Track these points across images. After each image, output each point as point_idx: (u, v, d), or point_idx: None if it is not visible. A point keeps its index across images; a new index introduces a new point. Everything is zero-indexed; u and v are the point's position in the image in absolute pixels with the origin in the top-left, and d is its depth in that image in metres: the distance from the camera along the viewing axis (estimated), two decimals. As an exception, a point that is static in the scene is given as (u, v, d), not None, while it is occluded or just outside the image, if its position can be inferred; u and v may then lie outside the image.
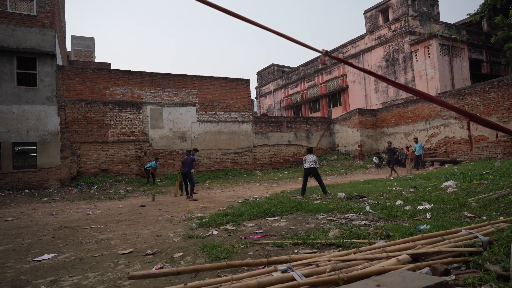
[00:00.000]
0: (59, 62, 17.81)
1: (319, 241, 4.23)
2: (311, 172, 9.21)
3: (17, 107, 15.46)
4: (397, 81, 23.39)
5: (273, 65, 38.78)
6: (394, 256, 2.96)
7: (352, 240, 4.06)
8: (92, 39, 34.98)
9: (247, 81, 21.72)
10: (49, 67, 16.17)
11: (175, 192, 12.29)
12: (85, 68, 17.96)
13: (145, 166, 16.76)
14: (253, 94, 36.26)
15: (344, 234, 4.45)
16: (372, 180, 12.24)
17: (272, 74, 38.53)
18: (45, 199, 12.89)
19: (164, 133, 18.88)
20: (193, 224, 6.06)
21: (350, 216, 5.91)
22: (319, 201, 7.91)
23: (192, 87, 19.84)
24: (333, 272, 2.69)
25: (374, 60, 25.54)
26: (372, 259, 2.97)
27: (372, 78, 25.65)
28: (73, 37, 33.84)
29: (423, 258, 3.04)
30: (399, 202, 6.64)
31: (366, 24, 26.71)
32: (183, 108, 19.43)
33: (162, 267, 3.68)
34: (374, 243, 3.78)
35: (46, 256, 4.47)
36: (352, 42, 27.39)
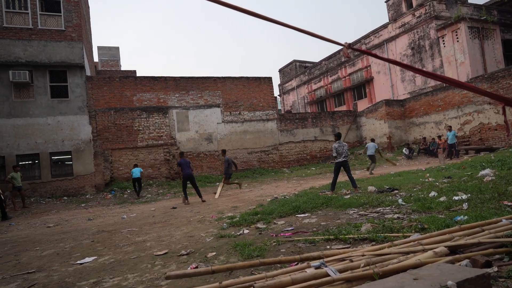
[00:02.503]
0: (88, 73, 18.51)
1: (351, 236, 4.18)
2: (343, 165, 8.99)
3: (52, 119, 16.22)
4: (424, 69, 22.61)
5: (294, 61, 38.50)
6: (431, 249, 2.88)
7: (386, 234, 3.98)
8: (117, 48, 36.08)
9: (269, 79, 21.71)
10: (79, 78, 16.86)
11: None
12: (112, 77, 18.57)
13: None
14: (276, 92, 36.16)
15: (377, 228, 4.38)
16: (403, 172, 11.92)
17: (294, 70, 38.26)
18: (83, 205, 13.46)
19: (190, 135, 19.22)
20: (224, 224, 6.14)
21: (382, 210, 5.79)
22: (349, 196, 7.80)
23: (216, 88, 20.06)
24: (367, 267, 2.66)
25: (399, 49, 24.81)
26: (407, 253, 2.91)
27: (398, 67, 24.93)
28: (99, 48, 35.05)
29: (462, 250, 2.94)
30: (433, 193, 6.44)
31: (388, 13, 25.98)
32: (207, 110, 19.69)
33: (197, 267, 3.76)
34: (409, 236, 3.70)
35: (87, 259, 4.69)
36: (375, 32, 26.73)
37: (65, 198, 15.54)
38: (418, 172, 11.41)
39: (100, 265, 4.36)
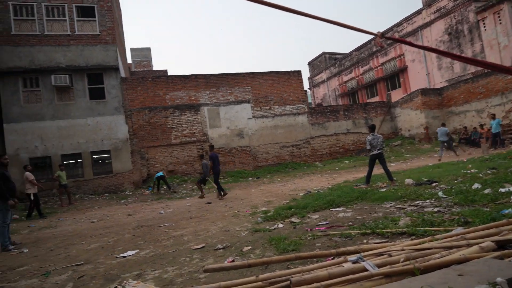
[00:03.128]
0: (122, 74, 19.20)
1: (389, 230, 4.08)
2: (378, 158, 8.77)
3: (91, 119, 17.02)
4: (463, 54, 21.44)
5: (324, 53, 37.82)
6: (476, 244, 2.75)
7: (426, 228, 3.86)
8: (148, 49, 37.09)
9: (298, 72, 21.49)
10: (114, 80, 17.53)
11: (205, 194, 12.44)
12: (145, 77, 19.15)
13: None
14: (306, 85, 35.71)
15: (416, 222, 4.24)
16: (442, 164, 11.44)
17: (324, 62, 37.60)
18: (122, 201, 14.06)
19: (222, 131, 19.47)
20: (259, 218, 6.20)
21: (421, 203, 5.60)
22: (385, 189, 7.60)
23: (245, 84, 20.15)
24: (407, 262, 2.59)
25: (435, 35, 23.67)
26: (450, 248, 2.80)
27: (434, 55, 23.82)
28: (132, 49, 36.19)
29: (511, 245, 2.78)
30: (476, 185, 6.13)
31: (422, -3, 24.81)
32: (238, 106, 19.84)
33: (233, 261, 3.84)
34: (451, 230, 3.55)
35: (129, 253, 4.91)
36: (408, 19, 25.64)
37: (106, 194, 16.29)
38: (459, 163, 10.90)
39: (141, 258, 4.55)
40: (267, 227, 5.42)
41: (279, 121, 20.57)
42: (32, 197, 11.29)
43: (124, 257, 4.74)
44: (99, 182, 16.90)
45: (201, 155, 13.19)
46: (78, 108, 16.89)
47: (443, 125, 10.51)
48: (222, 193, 11.00)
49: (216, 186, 11.30)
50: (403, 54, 26.38)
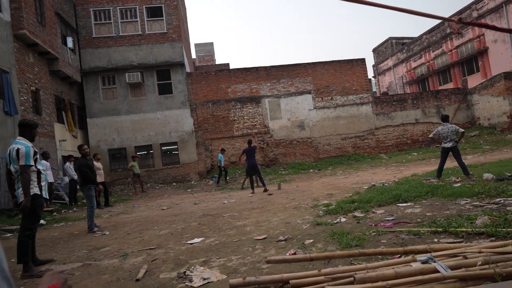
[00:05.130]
0: (187, 69, 20.13)
1: (463, 229, 3.77)
2: (452, 151, 8.12)
3: (160, 113, 18.19)
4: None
5: (390, 38, 35.64)
6: None
7: (509, 229, 3.49)
8: (211, 44, 38.31)
9: (362, 60, 20.59)
10: (180, 75, 18.47)
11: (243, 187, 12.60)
12: (208, 72, 19.86)
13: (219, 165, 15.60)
14: (370, 74, 34.11)
15: (497, 222, 3.86)
16: (529, 157, 10.19)
17: (390, 48, 35.45)
18: (189, 190, 14.87)
19: (283, 123, 19.49)
20: (320, 212, 6.13)
21: (502, 201, 5.07)
22: (459, 184, 7.01)
23: (306, 75, 19.86)
24: (486, 266, 2.38)
25: (522, 10, 20.93)
26: (538, 252, 2.51)
27: (521, 33, 21.10)
28: (196, 45, 37.70)
29: None
30: None
31: (507, -31, 22.03)
32: (299, 97, 19.66)
33: (295, 253, 3.86)
34: (540, 233, 3.18)
35: (196, 240, 5.19)
36: (490, -6, 22.98)
37: (174, 184, 17.37)
38: (551, 156, 9.62)
39: (207, 246, 4.79)
40: (329, 220, 5.35)
41: (341, 112, 19.98)
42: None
43: (191, 244, 5.03)
44: (168, 172, 18.06)
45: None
46: (148, 103, 18.15)
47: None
48: (253, 190, 11.24)
49: (248, 181, 11.39)
50: (482, 35, 23.79)
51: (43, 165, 4.96)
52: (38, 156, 4.67)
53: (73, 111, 17.06)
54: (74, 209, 11.38)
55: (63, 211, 10.93)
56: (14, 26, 11.58)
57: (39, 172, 4.66)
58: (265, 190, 11.01)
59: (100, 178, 11.55)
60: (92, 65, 17.68)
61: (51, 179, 11.14)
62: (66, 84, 16.46)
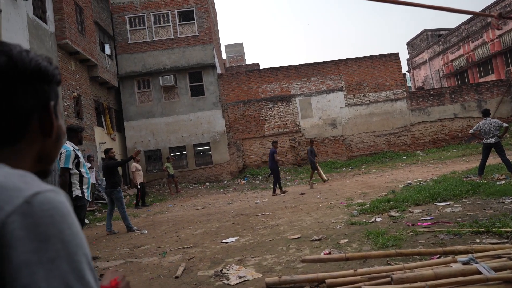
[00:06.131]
0: (218, 71, 20.45)
1: (508, 229, 3.61)
2: (495, 147, 7.71)
3: (193, 115, 18.62)
4: None
5: (425, 31, 34.23)
6: None
7: (559, 230, 3.30)
8: (241, 45, 38.65)
9: (396, 55, 19.97)
10: (211, 77, 18.81)
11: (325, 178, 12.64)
12: (239, 72, 20.07)
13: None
14: (404, 68, 33.00)
15: (545, 222, 3.65)
16: None
17: (426, 41, 34.06)
18: (221, 190, 15.12)
19: (314, 121, 19.32)
20: (354, 211, 6.06)
21: (551, 200, 4.78)
22: (503, 182, 6.67)
23: (337, 72, 19.56)
24: (533, 268, 2.28)
25: None
26: None
27: None
28: (226, 46, 38.17)
29: None
30: None
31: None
32: (330, 95, 19.40)
33: (330, 253, 3.86)
34: None
35: (231, 239, 5.31)
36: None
37: (207, 184, 17.72)
38: None
39: (242, 245, 4.88)
40: (364, 220, 5.28)
41: (374, 109, 19.50)
42: (139, 187, 11.93)
43: (226, 243, 5.15)
44: (201, 172, 18.45)
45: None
46: (181, 105, 18.64)
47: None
48: (281, 191, 10.99)
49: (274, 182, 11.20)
50: (527, 22, 22.30)
51: (87, 168, 5.23)
52: (81, 159, 4.93)
53: (111, 115, 17.86)
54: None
55: (103, 210, 11.49)
56: (57, 36, 12.30)
57: (81, 175, 4.90)
58: (276, 194, 10.87)
59: (140, 178, 12.12)
60: (128, 70, 18.41)
61: (93, 180, 11.74)
62: (104, 89, 17.27)
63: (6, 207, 0.51)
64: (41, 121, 0.66)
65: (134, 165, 12.19)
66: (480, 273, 2.40)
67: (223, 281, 3.47)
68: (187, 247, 5.17)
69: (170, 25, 18.50)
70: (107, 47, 16.85)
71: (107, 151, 7.75)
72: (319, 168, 12.84)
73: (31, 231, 0.51)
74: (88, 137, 14.44)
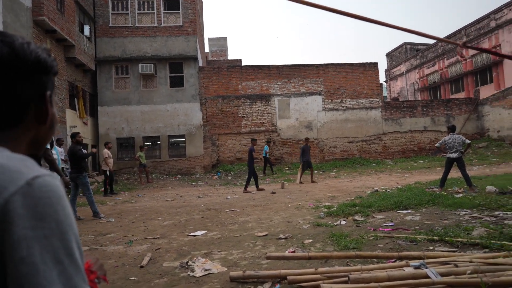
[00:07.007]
0: (200, 63, 20.30)
1: (459, 239, 3.88)
2: (457, 162, 8.16)
3: (170, 106, 18.41)
4: None
5: (405, 44, 35.38)
6: (559, 265, 2.53)
7: (503, 242, 3.59)
8: (225, 39, 38.40)
9: (375, 64, 20.55)
10: (193, 69, 18.65)
11: (298, 181, 12.74)
12: (220, 67, 20.01)
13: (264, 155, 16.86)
14: (382, 78, 33.97)
15: (493, 234, 3.95)
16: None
17: (404, 54, 35.20)
18: (193, 183, 15.07)
19: (291, 123, 19.58)
20: (321, 213, 6.25)
21: (501, 214, 5.15)
22: (461, 195, 7.08)
23: (317, 76, 19.90)
24: (474, 275, 2.50)
25: (541, 23, 20.65)
26: (527, 266, 2.61)
27: (538, 46, 20.86)
28: (209, 39, 37.83)
29: None
30: None
31: (528, -19, 21.72)
32: (308, 98, 19.72)
33: (294, 251, 4.00)
34: (533, 247, 3.27)
35: (199, 233, 5.36)
36: (510, 4, 22.69)
37: (179, 176, 17.60)
38: (557, 173, 9.60)
39: (209, 239, 4.95)
40: (330, 222, 5.47)
41: (350, 115, 20.00)
42: (108, 174, 11.69)
43: (194, 236, 5.19)
44: (174, 164, 18.30)
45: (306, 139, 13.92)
46: (159, 94, 18.38)
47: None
48: (257, 188, 11.20)
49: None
50: (499, 45, 23.53)
51: (58, 151, 5.13)
52: (52, 142, 4.86)
53: (85, 99, 17.35)
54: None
55: (68, 195, 11.19)
56: (34, 12, 11.82)
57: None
58: (245, 191, 11.06)
59: (109, 166, 11.89)
60: (106, 54, 17.93)
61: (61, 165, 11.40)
62: (80, 72, 16.75)
63: (10, 187, 0.58)
64: (38, 109, 0.71)
65: (106, 151, 11.95)
66: (429, 277, 2.59)
67: (188, 273, 3.53)
68: (154, 238, 5.17)
69: (154, 13, 18.17)
70: (86, 29, 16.35)
71: (74, 135, 7.53)
72: (302, 170, 12.96)
73: (31, 210, 0.57)
74: (59, 119, 13.98)
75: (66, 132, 14.69)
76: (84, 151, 7.86)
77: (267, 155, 16.93)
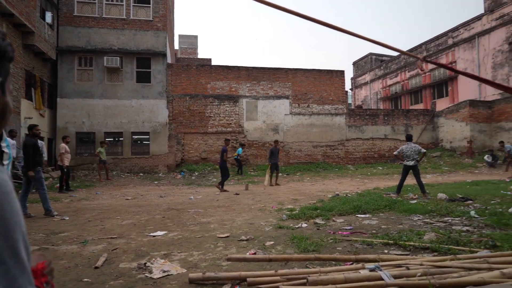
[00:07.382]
0: (169, 60, 19.89)
1: (412, 243, 4.07)
2: (412, 169, 8.61)
3: (135, 101, 17.88)
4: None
5: (370, 54, 36.78)
6: (498, 269, 2.73)
7: (450, 246, 3.81)
8: (196, 37, 37.88)
9: (342, 72, 21.17)
10: (161, 65, 18.24)
11: (267, 183, 12.82)
12: (189, 65, 19.73)
13: (235, 157, 17.16)
14: (348, 86, 35.07)
15: (441, 238, 4.19)
16: (481, 181, 10.92)
17: (369, 63, 36.59)
18: (155, 182, 14.72)
19: (258, 125, 19.68)
20: (284, 215, 6.33)
21: (450, 220, 5.48)
22: (415, 201, 7.45)
23: (286, 80, 20.17)
24: (424, 277, 2.63)
25: (493, 43, 22.28)
26: (470, 269, 2.79)
27: (489, 64, 22.49)
28: (180, 36, 37.17)
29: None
30: (513, 209, 5.87)
31: (485, 3, 23.37)
32: (276, 101, 19.93)
33: (255, 253, 4.01)
34: (476, 252, 3.50)
35: (159, 233, 5.24)
36: (466, 24, 24.29)
37: (141, 174, 17.12)
38: (500, 183, 10.37)
39: (169, 239, 4.85)
40: (291, 225, 5.55)
41: (315, 120, 20.44)
42: (65, 169, 11.20)
43: (154, 236, 5.07)
44: (136, 161, 17.78)
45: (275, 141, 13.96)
46: (124, 89, 17.79)
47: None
48: (221, 188, 11.22)
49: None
50: (455, 62, 25.11)
51: (9, 143, 4.82)
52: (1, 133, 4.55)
53: (43, 89, 16.44)
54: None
55: (19, 191, 10.53)
56: (-11, -7, 11.04)
57: (0, 150, 4.54)
58: (218, 187, 11.27)
59: (67, 161, 11.31)
60: (69, 44, 17.10)
61: (14, 156, 10.69)
62: (39, 60, 15.83)
63: None
64: None
65: (63, 146, 11.35)
66: (382, 279, 2.70)
67: (146, 274, 3.44)
68: (111, 238, 4.99)
69: (123, 5, 17.58)
70: (48, 15, 15.50)
71: (31, 128, 7.12)
72: (270, 172, 12.95)
73: None
74: (12, 110, 13.14)
75: (20, 124, 13.83)
76: (41, 143, 7.40)
77: (239, 158, 17.02)
